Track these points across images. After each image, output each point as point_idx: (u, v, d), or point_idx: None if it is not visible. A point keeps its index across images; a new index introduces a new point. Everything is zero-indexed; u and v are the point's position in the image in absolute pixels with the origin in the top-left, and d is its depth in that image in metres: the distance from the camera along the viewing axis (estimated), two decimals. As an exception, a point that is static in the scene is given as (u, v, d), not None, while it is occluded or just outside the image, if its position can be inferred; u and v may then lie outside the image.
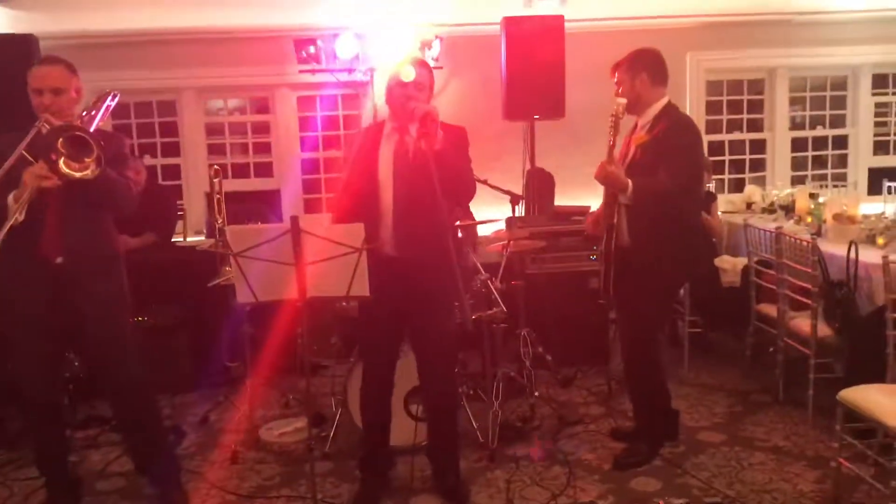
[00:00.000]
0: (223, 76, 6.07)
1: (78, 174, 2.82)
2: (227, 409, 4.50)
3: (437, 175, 2.74)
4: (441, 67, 5.82)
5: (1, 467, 3.89)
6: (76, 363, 4.21)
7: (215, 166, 4.63)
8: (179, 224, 5.65)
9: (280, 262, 2.70)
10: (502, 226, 4.69)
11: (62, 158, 2.81)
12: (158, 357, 4.47)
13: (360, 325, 3.45)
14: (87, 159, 2.83)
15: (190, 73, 6.02)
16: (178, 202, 5.95)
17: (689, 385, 4.69)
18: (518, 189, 5.11)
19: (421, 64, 3.20)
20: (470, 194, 3.22)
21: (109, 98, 3.26)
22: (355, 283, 2.74)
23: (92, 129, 2.99)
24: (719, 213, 5.40)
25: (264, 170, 6.34)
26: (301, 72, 5.70)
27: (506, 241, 4.27)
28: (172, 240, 5.35)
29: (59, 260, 3.05)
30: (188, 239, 5.77)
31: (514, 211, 4.62)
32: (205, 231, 5.94)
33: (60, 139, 2.81)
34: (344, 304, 4.01)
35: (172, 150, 6.25)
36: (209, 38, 5.92)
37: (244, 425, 4.20)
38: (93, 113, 3.20)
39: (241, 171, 6.34)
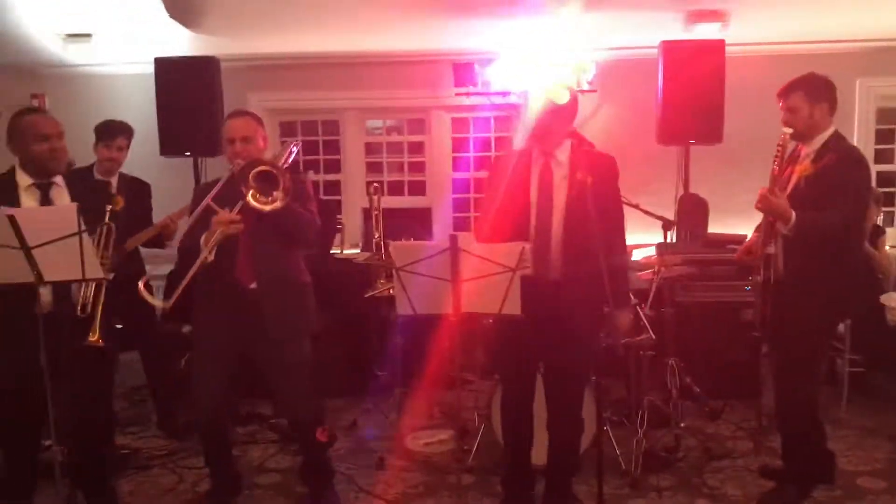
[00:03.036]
0: (383, 97, 6.34)
1: (268, 207, 3.09)
2: (375, 416, 4.68)
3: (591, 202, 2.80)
4: (595, 91, 5.84)
5: (171, 455, 4.22)
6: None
7: (375, 183, 4.87)
8: (338, 237, 5.94)
9: (438, 278, 2.81)
10: (653, 251, 4.64)
11: (251, 192, 3.08)
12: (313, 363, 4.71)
13: (497, 344, 3.52)
14: (275, 192, 3.09)
15: (352, 94, 6.33)
16: (338, 216, 6.26)
17: (846, 427, 4.44)
18: (670, 214, 5.03)
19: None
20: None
21: (292, 146, 3.53)
22: (508, 301, 2.82)
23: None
24: (887, 247, 5.10)
25: (417, 188, 6.56)
26: (457, 94, 5.86)
27: (656, 268, 4.23)
28: (331, 251, 5.63)
29: (253, 285, 3.31)
30: (345, 251, 6.05)
31: (665, 237, 4.57)
32: (360, 244, 6.20)
33: (252, 173, 3.08)
34: (490, 320, 4.11)
35: (334, 166, 6.59)
36: (371, 62, 6.21)
37: (391, 433, 4.36)
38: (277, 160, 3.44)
39: (395, 189, 6.58)
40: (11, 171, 3.21)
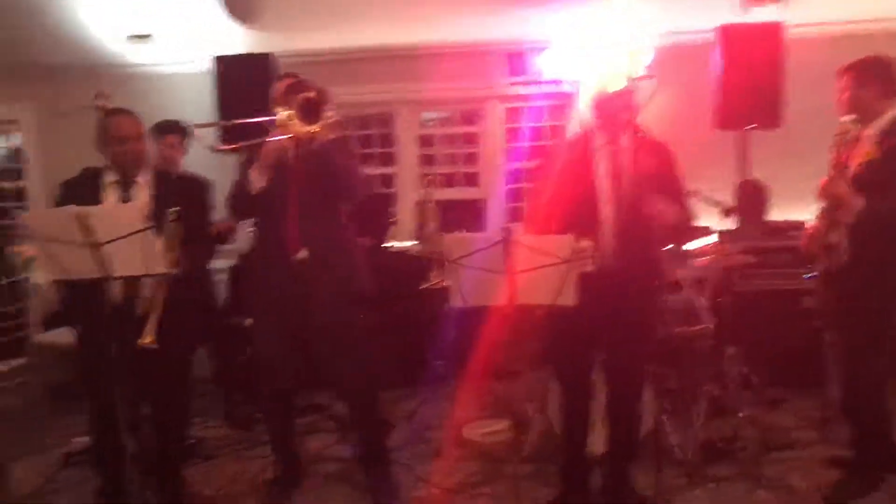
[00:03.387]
0: (437, 89, 6.34)
1: (303, 130, 3.10)
2: (431, 406, 4.74)
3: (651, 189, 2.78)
4: (652, 77, 5.75)
5: (236, 445, 4.35)
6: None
7: (429, 176, 4.91)
8: (391, 229, 5.99)
9: (491, 271, 2.83)
10: (711, 239, 4.57)
11: (290, 113, 3.10)
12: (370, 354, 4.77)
13: (552, 336, 3.52)
14: (315, 122, 3.11)
15: (406, 86, 6.34)
16: (391, 209, 6.31)
17: (915, 416, 4.33)
18: (728, 201, 4.94)
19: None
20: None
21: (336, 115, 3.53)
22: (562, 292, 2.82)
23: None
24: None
25: (471, 179, 6.57)
26: (512, 84, 5.84)
27: (714, 256, 4.17)
28: (385, 244, 5.69)
29: (301, 253, 3.38)
30: (398, 244, 6.10)
31: (723, 224, 4.49)
32: (414, 237, 6.25)
33: (298, 98, 3.12)
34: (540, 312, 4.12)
35: (387, 159, 6.64)
36: (425, 54, 6.22)
37: (448, 423, 4.41)
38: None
39: (449, 180, 6.59)
40: (103, 168, 3.36)
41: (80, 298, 3.27)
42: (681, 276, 4.18)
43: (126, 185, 3.34)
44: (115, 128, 3.30)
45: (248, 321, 4.78)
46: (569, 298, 2.82)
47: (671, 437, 3.89)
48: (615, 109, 3.15)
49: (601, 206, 3.13)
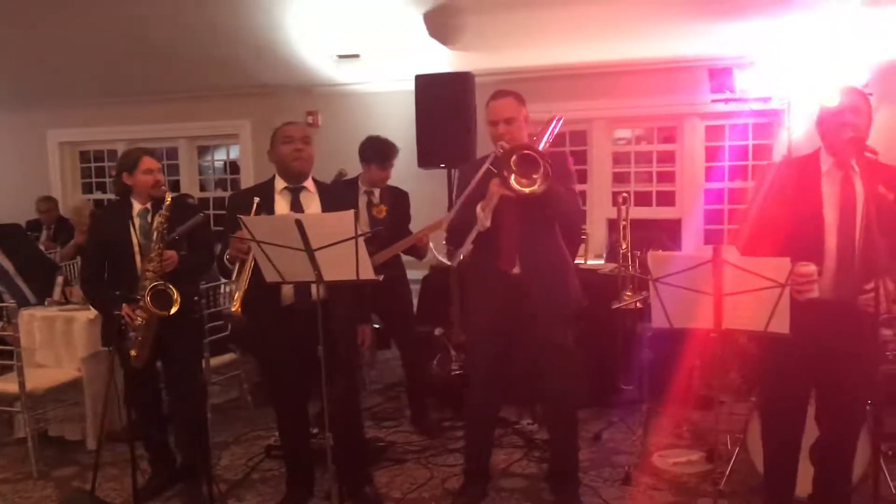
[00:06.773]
0: (633, 106, 6.22)
1: (527, 189, 3.16)
2: (620, 430, 4.61)
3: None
4: (871, 94, 5.32)
5: (423, 451, 4.43)
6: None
7: (623, 194, 4.81)
8: (581, 247, 5.91)
9: (698, 291, 2.70)
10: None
11: (513, 175, 3.17)
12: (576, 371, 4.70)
13: (764, 367, 3.29)
14: (534, 175, 3.15)
15: (602, 103, 6.27)
16: (582, 226, 6.22)
17: None
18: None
19: (851, 90, 2.99)
20: None
21: (554, 122, 3.56)
22: (775, 318, 2.65)
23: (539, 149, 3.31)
24: None
25: (666, 198, 6.37)
26: (714, 101, 5.62)
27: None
28: (575, 262, 5.62)
29: (515, 270, 3.43)
30: (588, 262, 6.00)
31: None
32: (604, 255, 6.13)
33: (513, 158, 3.17)
34: (745, 339, 3.89)
35: (580, 177, 6.54)
36: (621, 70, 6.13)
37: (637, 448, 4.27)
38: (540, 136, 3.50)
39: (642, 199, 6.43)
40: (273, 178, 3.56)
41: (261, 301, 3.40)
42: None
43: (296, 190, 3.49)
44: (284, 131, 3.50)
45: (438, 330, 4.93)
46: (782, 326, 2.64)
47: (890, 485, 3.55)
48: (835, 128, 2.92)
49: (825, 234, 2.88)
